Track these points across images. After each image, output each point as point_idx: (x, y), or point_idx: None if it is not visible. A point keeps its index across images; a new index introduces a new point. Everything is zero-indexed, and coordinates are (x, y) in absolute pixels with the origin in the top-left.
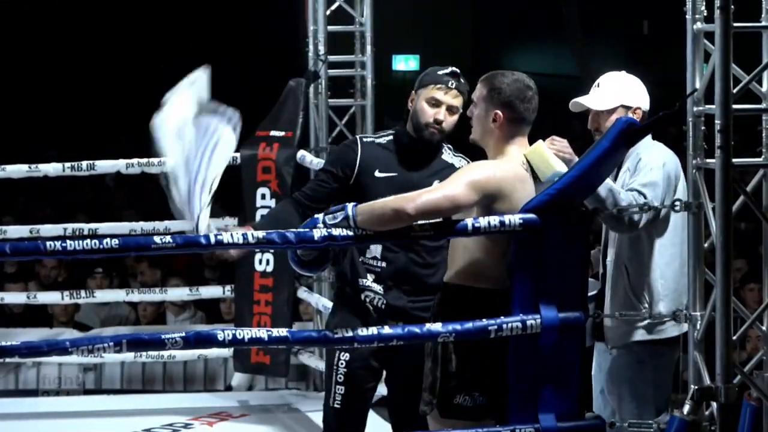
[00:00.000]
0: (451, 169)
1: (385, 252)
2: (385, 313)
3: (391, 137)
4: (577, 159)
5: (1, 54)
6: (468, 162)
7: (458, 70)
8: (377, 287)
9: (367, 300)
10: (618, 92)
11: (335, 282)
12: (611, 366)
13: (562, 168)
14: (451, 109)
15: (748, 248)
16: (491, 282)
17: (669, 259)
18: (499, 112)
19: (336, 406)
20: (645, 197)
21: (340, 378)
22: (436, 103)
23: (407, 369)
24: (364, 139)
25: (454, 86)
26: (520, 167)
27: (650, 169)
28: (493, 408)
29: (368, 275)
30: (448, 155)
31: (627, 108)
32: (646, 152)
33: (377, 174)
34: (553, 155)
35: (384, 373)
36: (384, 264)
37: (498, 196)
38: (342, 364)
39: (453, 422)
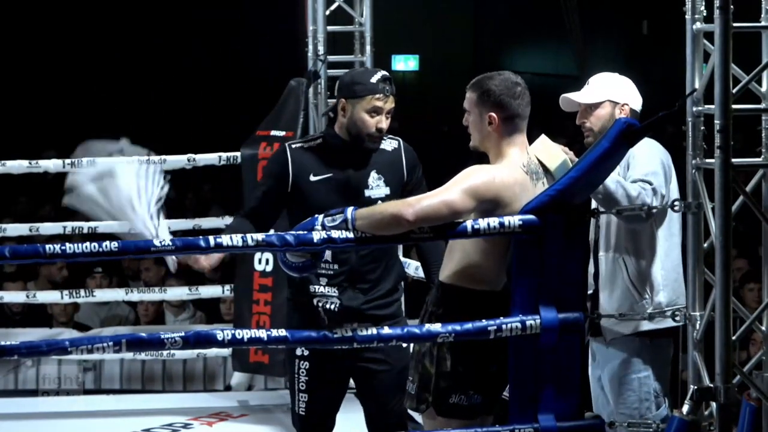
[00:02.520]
0: (383, 153)
1: (336, 253)
2: (338, 315)
3: (320, 140)
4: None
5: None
6: (400, 142)
7: (386, 73)
8: (330, 291)
9: (320, 305)
10: (606, 88)
11: (288, 288)
12: (608, 362)
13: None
14: (389, 113)
15: (748, 248)
16: (488, 283)
17: (667, 249)
18: (493, 114)
19: (301, 413)
20: (651, 184)
21: (302, 386)
22: (377, 112)
23: (376, 380)
24: (293, 146)
25: (389, 93)
26: (521, 171)
27: (646, 159)
28: (489, 407)
29: (321, 280)
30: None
31: (614, 103)
32: (636, 146)
33: (312, 178)
34: (556, 148)
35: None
36: (336, 266)
37: (498, 203)
38: (303, 372)
39: (448, 421)
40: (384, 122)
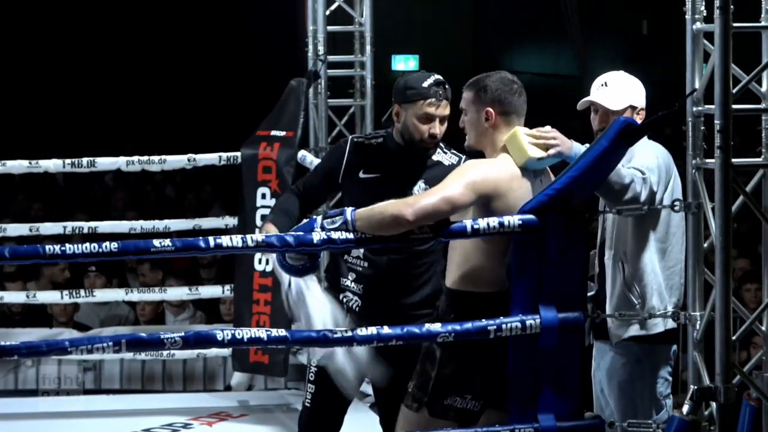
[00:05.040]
0: (438, 166)
1: (368, 252)
2: (358, 316)
3: (381, 140)
4: (568, 146)
5: None
6: (460, 157)
7: (440, 77)
8: (356, 287)
9: (344, 301)
10: (627, 93)
11: (324, 278)
12: (609, 365)
13: (537, 154)
14: (443, 120)
15: (748, 248)
16: (493, 284)
17: (662, 253)
18: (490, 109)
19: (306, 404)
20: (643, 174)
21: (311, 377)
22: (429, 118)
23: (391, 375)
24: (355, 140)
25: (443, 97)
26: (516, 166)
27: (645, 156)
28: (480, 414)
29: (350, 274)
30: (438, 153)
31: (634, 108)
32: (638, 147)
33: (361, 175)
34: (528, 142)
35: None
36: (366, 264)
37: (494, 196)
38: (313, 362)
39: (437, 422)
40: (437, 128)
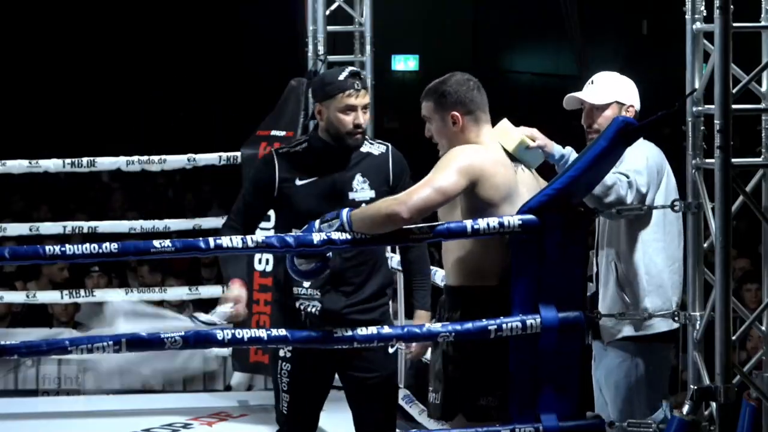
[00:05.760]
0: (369, 157)
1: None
2: (319, 319)
3: (306, 144)
4: (550, 144)
5: None
6: (387, 145)
7: (355, 68)
8: (313, 292)
9: (302, 308)
10: (613, 89)
11: (273, 290)
12: (606, 364)
13: (527, 141)
14: (365, 108)
15: (748, 248)
16: (495, 277)
17: (653, 254)
18: (455, 113)
19: (284, 411)
20: (628, 177)
21: (284, 387)
22: (351, 109)
23: (362, 381)
24: (280, 152)
25: (360, 87)
26: (501, 152)
27: (633, 158)
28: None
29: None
30: (365, 145)
31: (621, 105)
32: (628, 148)
33: (298, 182)
34: (515, 130)
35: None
36: None
37: (481, 179)
38: (285, 374)
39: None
40: (361, 118)
